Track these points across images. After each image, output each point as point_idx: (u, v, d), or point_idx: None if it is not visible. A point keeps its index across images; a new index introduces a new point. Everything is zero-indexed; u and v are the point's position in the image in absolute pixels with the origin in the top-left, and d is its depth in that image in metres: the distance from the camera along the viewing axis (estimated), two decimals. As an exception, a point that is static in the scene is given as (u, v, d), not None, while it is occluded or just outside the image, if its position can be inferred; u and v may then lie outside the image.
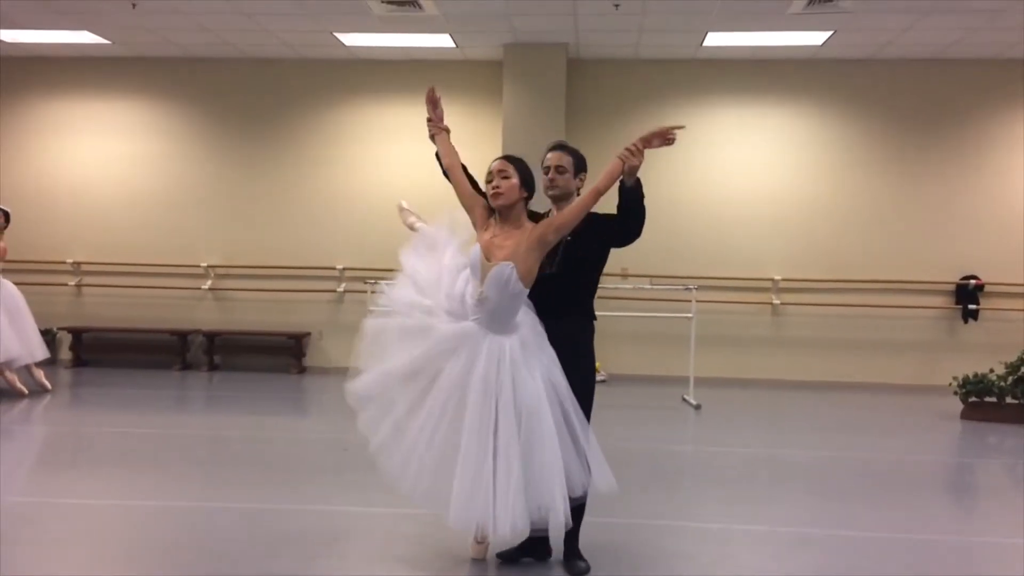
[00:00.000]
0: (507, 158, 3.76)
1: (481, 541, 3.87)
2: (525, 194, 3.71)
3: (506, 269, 3.52)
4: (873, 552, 4.15)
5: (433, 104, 3.91)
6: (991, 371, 7.74)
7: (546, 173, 3.82)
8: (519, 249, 3.56)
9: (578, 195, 3.81)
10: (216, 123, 10.44)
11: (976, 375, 7.75)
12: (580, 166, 3.84)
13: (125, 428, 6.86)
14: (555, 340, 3.65)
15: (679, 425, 7.53)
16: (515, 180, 3.66)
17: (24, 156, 10.51)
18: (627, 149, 3.58)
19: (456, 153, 3.90)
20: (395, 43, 9.48)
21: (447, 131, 3.92)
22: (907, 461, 6.26)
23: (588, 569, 3.74)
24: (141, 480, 5.25)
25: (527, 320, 3.68)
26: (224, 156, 10.43)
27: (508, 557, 3.86)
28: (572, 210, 3.62)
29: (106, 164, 10.47)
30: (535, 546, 3.85)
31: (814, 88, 9.89)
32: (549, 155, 3.85)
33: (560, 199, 3.83)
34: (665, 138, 3.63)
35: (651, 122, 9.77)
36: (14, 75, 10.41)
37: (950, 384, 7.90)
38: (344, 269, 10.24)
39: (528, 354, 3.55)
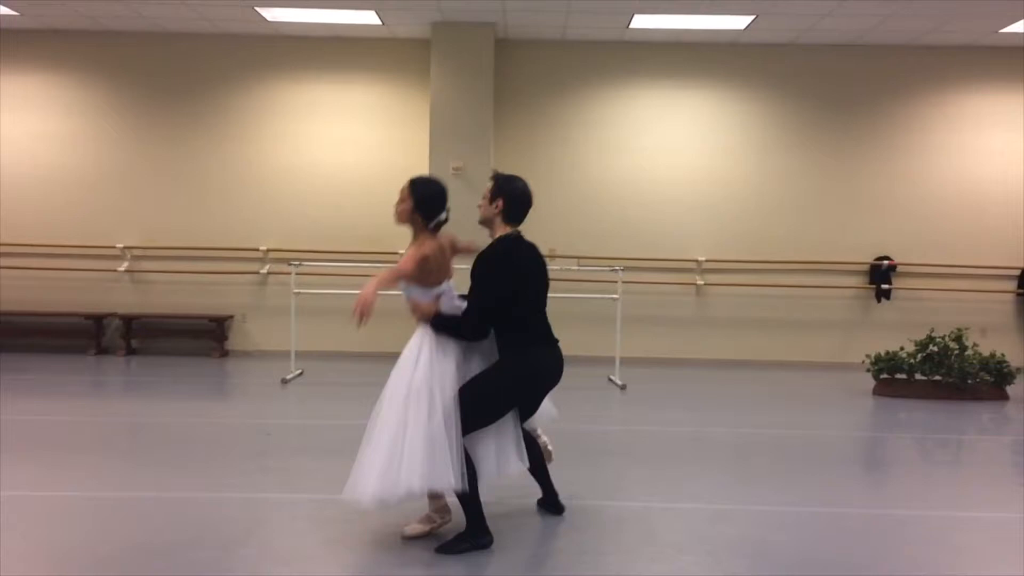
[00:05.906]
0: (411, 183, 3.99)
1: (423, 522, 3.98)
2: (419, 216, 3.94)
3: None
4: (787, 524, 4.29)
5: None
6: (901, 348, 8.06)
7: None
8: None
9: (499, 221, 4.02)
10: (133, 99, 10.06)
11: (888, 352, 8.05)
12: (497, 192, 4.02)
13: (37, 416, 6.62)
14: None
15: (605, 405, 7.63)
16: (407, 204, 3.93)
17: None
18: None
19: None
20: (319, 19, 9.27)
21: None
22: (821, 436, 6.48)
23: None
24: (55, 470, 5.08)
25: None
26: (141, 133, 10.07)
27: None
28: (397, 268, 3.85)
29: (17, 141, 10.01)
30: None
31: (737, 72, 10.05)
32: None
33: (483, 225, 4.11)
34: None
35: (578, 103, 10.02)
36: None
37: (863, 361, 8.21)
38: (268, 251, 10.04)
39: (433, 348, 3.84)
